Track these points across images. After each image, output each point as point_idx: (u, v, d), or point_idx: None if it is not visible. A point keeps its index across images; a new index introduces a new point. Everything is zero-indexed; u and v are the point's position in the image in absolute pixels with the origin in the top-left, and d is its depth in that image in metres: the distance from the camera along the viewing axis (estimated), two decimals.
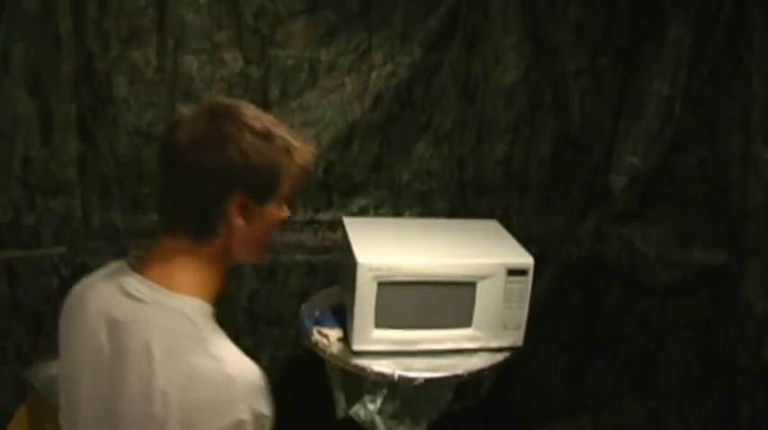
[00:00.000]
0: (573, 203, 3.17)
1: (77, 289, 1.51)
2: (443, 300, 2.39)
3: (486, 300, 2.39)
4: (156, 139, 2.67)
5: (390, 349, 2.38)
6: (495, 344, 2.45)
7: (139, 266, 1.42)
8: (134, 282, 1.38)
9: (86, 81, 2.59)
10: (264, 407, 1.34)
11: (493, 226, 2.74)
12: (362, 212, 2.96)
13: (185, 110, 1.39)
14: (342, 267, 2.59)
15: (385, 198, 2.98)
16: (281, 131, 1.39)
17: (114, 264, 1.47)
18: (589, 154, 3.11)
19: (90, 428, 1.45)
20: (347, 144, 2.86)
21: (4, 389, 2.67)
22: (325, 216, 2.93)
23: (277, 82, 2.75)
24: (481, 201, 3.06)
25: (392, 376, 2.29)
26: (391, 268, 2.30)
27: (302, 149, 1.41)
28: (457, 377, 2.34)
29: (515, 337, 2.45)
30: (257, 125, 1.35)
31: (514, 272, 2.38)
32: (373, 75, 2.82)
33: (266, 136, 1.35)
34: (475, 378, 2.38)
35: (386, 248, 2.40)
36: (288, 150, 1.38)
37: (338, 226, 2.86)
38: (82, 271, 2.71)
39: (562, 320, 3.27)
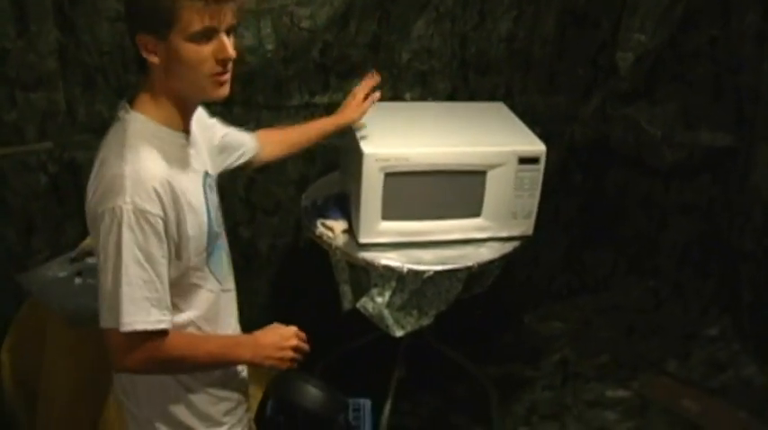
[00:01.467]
0: (577, 82, 3.04)
1: None
2: (452, 190, 2.30)
3: (496, 188, 2.30)
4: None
5: (398, 241, 2.31)
6: (504, 234, 2.38)
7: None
8: (121, 108, 1.59)
9: None
10: (147, 204, 1.47)
11: (500, 109, 2.62)
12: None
13: None
14: (344, 156, 2.48)
15: (384, 79, 2.80)
16: None
17: None
18: (595, 30, 2.96)
19: None
20: (344, 23, 2.68)
21: (1, 292, 2.59)
22: (321, 99, 2.79)
23: None
24: (483, 81, 2.92)
25: (401, 269, 2.23)
26: (399, 158, 2.20)
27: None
28: (467, 268, 2.28)
29: (525, 226, 2.38)
30: None
31: (526, 160, 2.28)
32: None
33: None
34: (485, 269, 2.33)
35: (391, 137, 2.29)
36: (169, 10, 1.46)
37: (335, 109, 2.71)
38: (70, 166, 2.64)
39: (563, 201, 3.21)
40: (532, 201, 2.34)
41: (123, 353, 1.52)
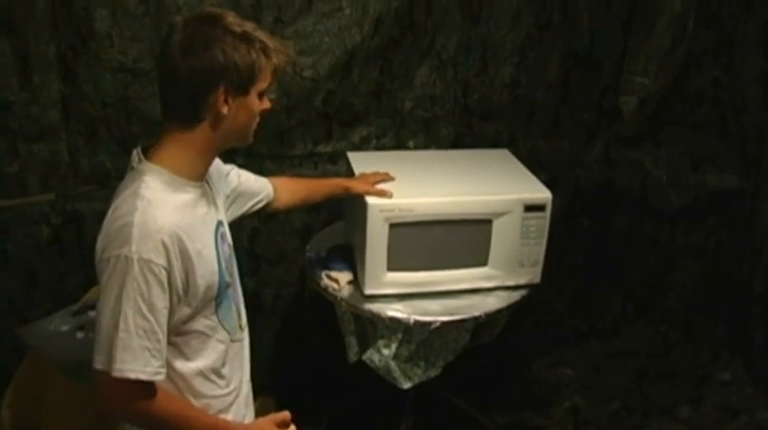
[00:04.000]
0: (581, 127, 3.03)
1: None
2: (458, 240, 2.27)
3: (502, 237, 2.27)
4: (143, 76, 2.48)
5: (404, 292, 2.27)
6: (512, 282, 2.34)
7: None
8: (135, 157, 1.63)
9: (65, 16, 2.38)
10: (152, 254, 1.49)
11: (504, 156, 2.60)
12: (364, 142, 2.80)
13: (179, 19, 1.61)
14: (349, 206, 2.45)
15: (387, 126, 2.81)
16: (260, 35, 1.60)
17: None
18: (598, 75, 2.95)
19: None
20: (346, 72, 2.67)
21: (2, 345, 2.55)
22: (325, 148, 2.77)
23: (270, 8, 2.55)
24: (487, 127, 2.90)
25: (407, 321, 2.19)
26: (403, 209, 2.17)
27: (278, 50, 1.62)
28: (475, 319, 2.24)
29: (533, 274, 2.34)
30: (238, 29, 1.57)
31: (532, 207, 2.25)
32: None
33: (246, 38, 1.57)
34: (492, 318, 2.29)
35: (396, 187, 2.25)
36: (265, 50, 1.59)
37: (339, 158, 2.71)
38: (73, 218, 2.61)
39: (570, 246, 3.18)
40: (539, 249, 2.31)
41: (110, 397, 1.54)
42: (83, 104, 2.48)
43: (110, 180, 2.57)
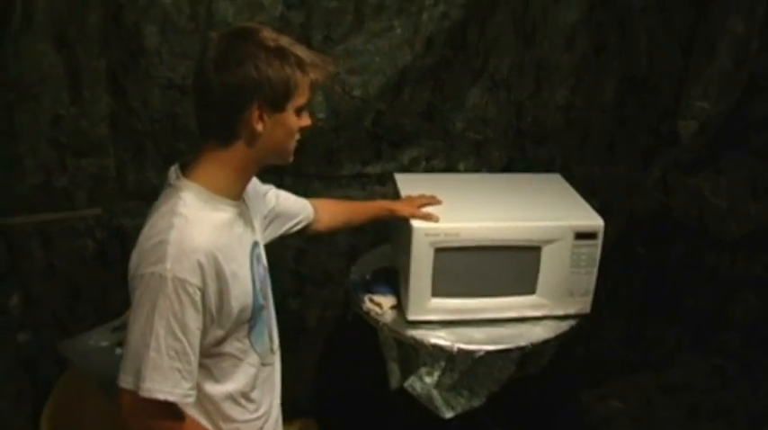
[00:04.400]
0: (638, 152, 2.90)
1: None
2: (505, 266, 2.18)
3: (551, 265, 2.17)
4: (191, 93, 2.45)
5: (448, 319, 2.19)
6: (560, 312, 2.24)
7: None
8: (173, 174, 1.60)
9: (115, 32, 2.36)
10: (187, 274, 1.44)
11: (556, 181, 2.50)
12: (414, 164, 2.73)
13: (214, 34, 1.58)
14: (394, 229, 2.38)
15: (438, 148, 2.74)
16: (295, 49, 1.54)
17: None
18: (656, 98, 2.83)
19: None
20: (397, 92, 2.60)
21: (44, 358, 2.53)
22: (373, 169, 2.71)
23: (320, 26, 2.50)
24: (540, 151, 2.81)
25: (451, 349, 2.11)
26: (449, 233, 2.09)
27: (316, 64, 1.56)
28: (520, 349, 2.14)
29: (582, 304, 2.24)
30: (272, 44, 1.52)
31: (583, 235, 2.15)
32: (424, 16, 2.55)
33: (281, 53, 1.52)
34: (539, 348, 2.19)
35: (442, 211, 2.17)
36: (301, 65, 1.54)
37: (387, 179, 2.63)
38: (118, 233, 2.58)
39: (624, 274, 3.04)
40: (590, 278, 2.20)
41: (135, 417, 1.50)
42: (131, 120, 2.46)
43: (155, 196, 2.53)
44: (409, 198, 2.26)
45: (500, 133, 2.77)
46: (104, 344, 2.23)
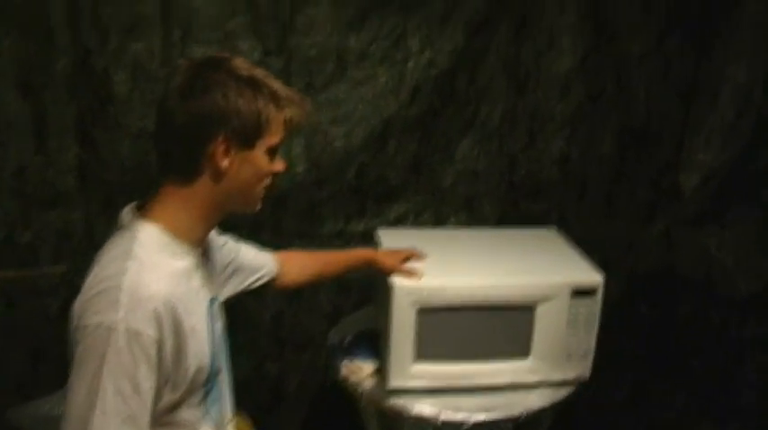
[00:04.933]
0: (639, 206, 2.70)
1: None
2: (496, 328, 1.95)
3: (546, 325, 1.95)
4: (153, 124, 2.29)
5: (433, 385, 1.95)
6: (557, 377, 2.01)
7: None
8: (126, 215, 1.42)
9: (84, 78, 2.19)
10: (142, 324, 1.25)
11: (551, 236, 2.29)
12: (400, 221, 2.53)
13: (182, 61, 1.48)
14: (376, 287, 2.17)
15: (426, 204, 2.54)
16: (270, 82, 1.40)
17: None
18: (656, 150, 2.64)
19: None
20: (382, 143, 2.42)
21: (2, 426, 2.30)
22: (357, 226, 2.50)
23: (300, 74, 2.32)
24: (535, 206, 2.61)
25: (436, 419, 1.87)
26: (433, 291, 1.87)
27: (292, 101, 1.42)
28: (513, 419, 1.90)
29: (582, 368, 2.00)
30: (245, 74, 1.37)
31: (580, 292, 1.93)
32: (410, 64, 2.38)
33: (253, 84, 1.37)
34: (534, 418, 1.95)
35: (428, 266, 1.96)
36: (275, 99, 1.39)
37: (372, 237, 2.44)
38: None
39: (626, 336, 2.81)
40: (589, 339, 1.98)
41: None
42: (100, 170, 2.26)
43: None
44: (392, 251, 2.05)
45: (492, 187, 2.57)
46: (58, 412, 2.00)
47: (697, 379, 2.88)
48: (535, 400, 1.96)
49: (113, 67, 2.19)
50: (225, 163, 1.35)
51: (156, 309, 1.24)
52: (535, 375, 1.99)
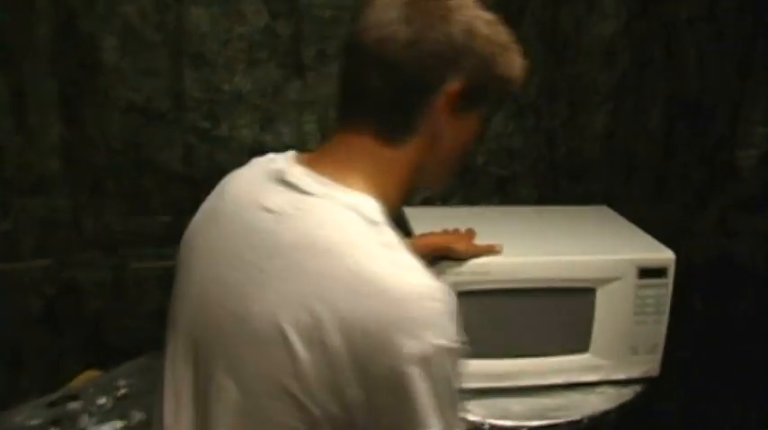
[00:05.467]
0: (691, 187, 2.36)
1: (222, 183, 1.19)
2: (549, 316, 1.62)
3: (609, 313, 1.61)
4: (159, 118, 1.97)
5: (477, 386, 1.60)
6: (622, 375, 1.68)
7: (303, 160, 1.09)
8: (296, 172, 1.05)
9: (68, 46, 1.89)
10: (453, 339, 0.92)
11: (605, 213, 1.96)
12: (426, 204, 2.20)
13: None
14: None
15: (455, 186, 2.21)
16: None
17: (266, 157, 1.15)
18: (710, 124, 2.31)
19: (199, 334, 1.07)
20: None
21: None
22: None
23: (312, 40, 2.02)
24: (577, 187, 2.28)
25: (481, 426, 1.54)
26: (476, 272, 1.54)
27: (519, 56, 1.12)
28: (573, 424, 1.57)
29: (650, 364, 1.67)
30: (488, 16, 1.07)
31: (649, 272, 1.60)
32: None
33: (494, 21, 1.08)
34: (596, 423, 1.61)
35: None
36: (509, 47, 1.10)
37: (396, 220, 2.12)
38: (70, 288, 2.03)
39: (679, 334, 2.46)
40: (659, 329, 1.65)
41: None
42: (87, 151, 1.96)
43: (116, 245, 2.03)
44: (459, 234, 1.71)
45: (528, 167, 2.24)
46: (35, 422, 1.67)
47: (757, 385, 2.54)
48: (596, 402, 1.62)
49: (101, 31, 1.90)
50: (443, 118, 1.05)
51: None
52: (596, 373, 1.66)
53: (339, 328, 0.88)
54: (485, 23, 1.05)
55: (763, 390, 2.52)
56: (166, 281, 1.99)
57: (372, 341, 0.88)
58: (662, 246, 1.67)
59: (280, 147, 1.21)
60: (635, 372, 1.68)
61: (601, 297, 1.60)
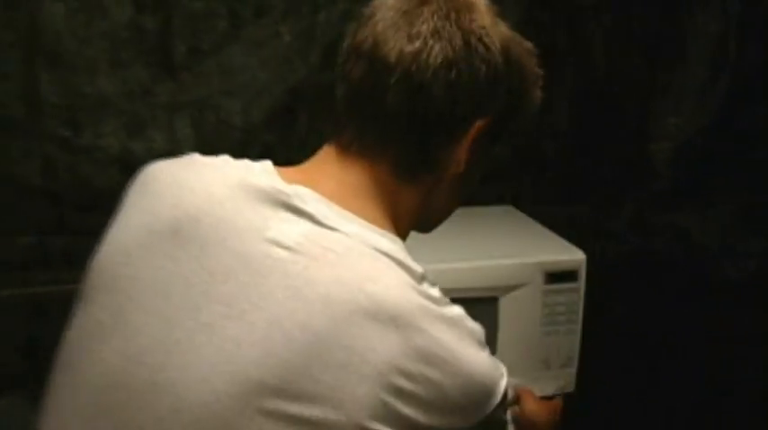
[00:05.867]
0: (604, 184, 2.21)
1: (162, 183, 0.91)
2: None
3: (515, 324, 1.43)
4: (13, 126, 1.72)
5: None
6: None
7: (294, 178, 0.90)
8: (304, 195, 0.85)
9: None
10: None
11: (509, 213, 1.78)
12: None
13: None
14: None
15: None
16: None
17: (228, 162, 0.94)
18: (620, 116, 2.16)
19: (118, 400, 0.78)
20: (290, 118, 1.89)
21: None
22: None
23: (183, 34, 1.80)
24: (483, 189, 2.08)
25: None
26: None
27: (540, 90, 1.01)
28: None
29: (564, 380, 1.49)
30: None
31: (557, 276, 1.42)
32: (320, 17, 1.87)
33: (529, 47, 0.98)
34: None
35: None
36: (538, 80, 1.00)
37: None
38: None
39: (596, 342, 2.29)
40: (572, 339, 1.48)
41: None
42: None
43: None
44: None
45: None
46: None
47: (687, 391, 2.40)
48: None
49: None
50: (464, 155, 0.92)
51: None
52: None
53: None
54: (521, 49, 0.97)
55: (689, 401, 2.38)
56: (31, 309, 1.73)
57: None
58: (571, 247, 1.49)
59: (151, 156, 1.00)
60: (548, 389, 1.48)
61: (504, 307, 1.40)
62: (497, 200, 2.08)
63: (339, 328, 0.75)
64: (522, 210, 2.05)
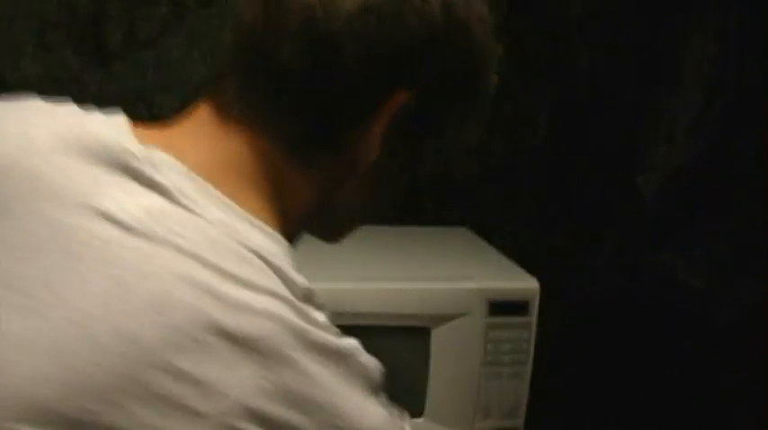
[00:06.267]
0: (584, 217, 2.01)
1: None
2: None
3: (449, 362, 1.20)
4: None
5: None
6: None
7: (149, 137, 0.70)
8: (157, 159, 0.65)
9: None
10: None
11: (462, 235, 1.56)
12: None
13: None
14: None
15: None
16: None
17: (62, 106, 0.73)
18: (604, 141, 1.97)
19: None
20: None
21: None
22: None
23: (118, 20, 1.63)
24: (446, 211, 1.88)
25: None
26: None
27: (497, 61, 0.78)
28: None
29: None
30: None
31: (503, 306, 1.19)
32: None
33: (483, 16, 0.75)
34: None
35: None
36: (489, 56, 0.76)
37: None
38: None
39: (572, 387, 2.08)
40: (520, 385, 1.23)
41: None
42: None
43: None
44: None
45: None
46: None
47: None
48: None
49: None
50: (377, 131, 0.72)
51: None
52: None
53: None
54: (470, 10, 0.74)
55: None
56: None
57: None
58: (523, 273, 1.27)
59: None
60: None
61: (437, 340, 1.17)
62: (462, 223, 1.88)
63: (175, 345, 0.54)
64: (491, 239, 1.85)
